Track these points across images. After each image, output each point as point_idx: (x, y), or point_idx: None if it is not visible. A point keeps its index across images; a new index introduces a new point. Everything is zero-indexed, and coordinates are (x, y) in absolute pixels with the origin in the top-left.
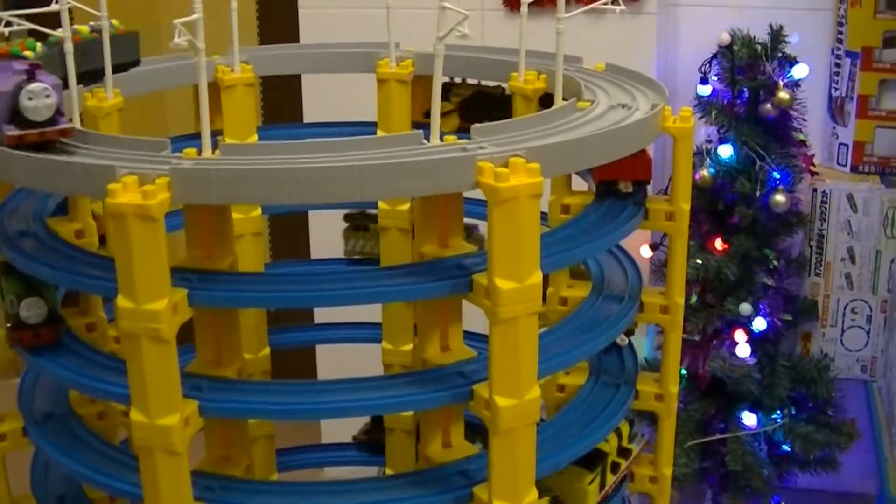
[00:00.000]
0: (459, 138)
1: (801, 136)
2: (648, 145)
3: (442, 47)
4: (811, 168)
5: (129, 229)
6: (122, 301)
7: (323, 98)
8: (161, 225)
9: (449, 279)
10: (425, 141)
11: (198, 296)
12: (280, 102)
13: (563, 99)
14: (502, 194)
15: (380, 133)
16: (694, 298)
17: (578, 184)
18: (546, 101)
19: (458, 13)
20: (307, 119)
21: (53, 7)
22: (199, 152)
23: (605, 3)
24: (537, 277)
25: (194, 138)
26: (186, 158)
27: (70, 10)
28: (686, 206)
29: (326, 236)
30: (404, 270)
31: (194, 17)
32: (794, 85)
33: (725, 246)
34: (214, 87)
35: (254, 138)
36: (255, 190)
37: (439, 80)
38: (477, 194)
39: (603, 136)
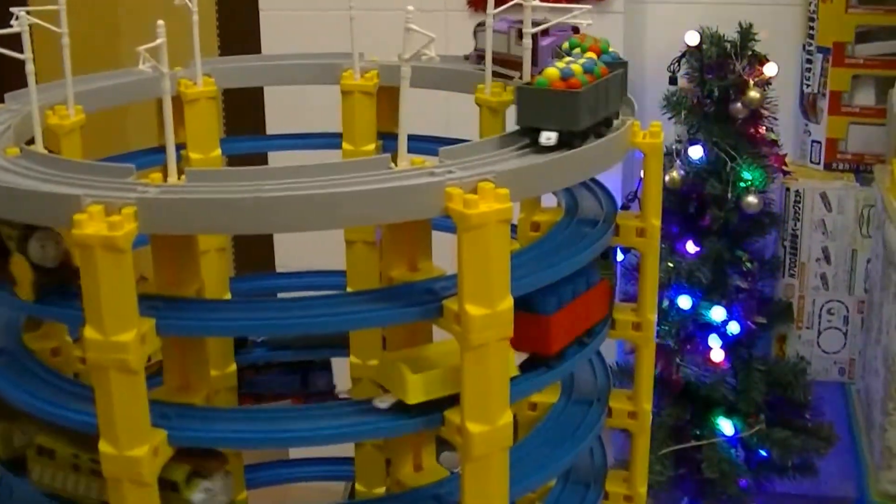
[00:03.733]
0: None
1: (773, 136)
2: (619, 163)
3: (408, 69)
4: (783, 167)
5: (96, 260)
6: (89, 332)
7: (285, 105)
8: (128, 256)
9: (419, 305)
10: (392, 164)
11: (166, 325)
12: (241, 109)
13: None
14: (472, 221)
15: (345, 145)
16: (666, 303)
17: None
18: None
19: (425, 35)
20: (270, 125)
21: (15, 28)
22: (165, 176)
23: (574, 16)
24: (508, 303)
25: (157, 152)
26: (152, 186)
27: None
28: (657, 222)
29: (291, 247)
30: (373, 296)
31: (158, 42)
32: (765, 83)
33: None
34: (177, 101)
35: (217, 152)
36: (222, 220)
37: (406, 101)
38: None
39: (573, 156)
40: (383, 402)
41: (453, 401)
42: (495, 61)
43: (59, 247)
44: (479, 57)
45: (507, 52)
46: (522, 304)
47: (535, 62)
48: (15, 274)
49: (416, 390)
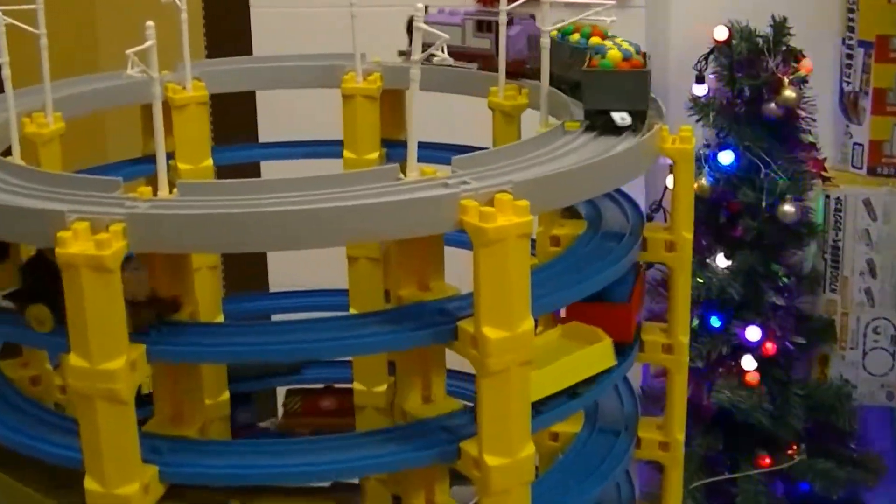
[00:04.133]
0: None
1: (810, 138)
2: (646, 171)
3: (417, 71)
4: (822, 173)
5: (82, 282)
6: (75, 359)
7: (279, 110)
8: (117, 277)
9: (431, 327)
10: (401, 175)
11: (158, 351)
12: (231, 115)
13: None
14: (489, 235)
15: (346, 154)
16: (695, 322)
17: None
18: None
19: (436, 35)
20: (262, 131)
21: None
22: (155, 190)
23: (597, 11)
24: (529, 324)
25: (142, 162)
26: (141, 200)
27: None
28: (688, 235)
29: (285, 264)
30: (380, 317)
31: (147, 44)
32: (801, 81)
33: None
34: (164, 107)
35: (208, 162)
36: (218, 237)
37: (415, 106)
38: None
39: (597, 165)
40: None
41: (470, 430)
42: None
43: (147, 276)
44: None
45: (461, 45)
46: (595, 295)
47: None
48: None
49: (540, 387)
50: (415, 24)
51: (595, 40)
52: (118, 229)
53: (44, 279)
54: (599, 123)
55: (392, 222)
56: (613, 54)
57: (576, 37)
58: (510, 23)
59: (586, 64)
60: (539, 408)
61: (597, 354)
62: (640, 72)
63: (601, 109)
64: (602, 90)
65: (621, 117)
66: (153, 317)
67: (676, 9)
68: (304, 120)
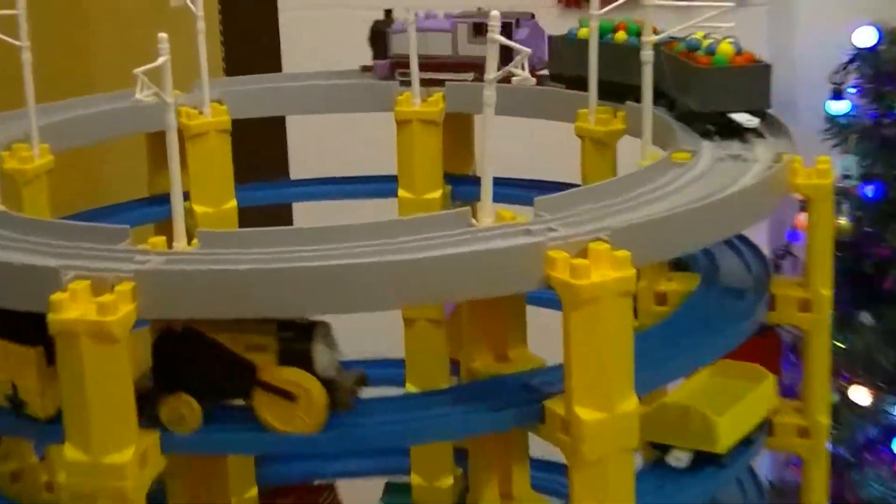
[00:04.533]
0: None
1: None
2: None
3: (492, 93)
4: None
5: (82, 354)
6: (71, 452)
7: (315, 139)
8: (124, 347)
9: (511, 407)
10: (474, 220)
11: (174, 440)
12: (255, 146)
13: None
14: (582, 294)
15: (401, 193)
16: (835, 397)
17: None
18: None
19: (517, 49)
20: (294, 165)
21: None
22: (169, 241)
23: (714, 16)
24: (631, 403)
25: (149, 205)
26: (154, 253)
27: None
28: (827, 293)
29: None
30: (448, 396)
31: (160, 61)
32: None
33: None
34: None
35: (232, 203)
36: (247, 299)
37: (492, 134)
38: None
39: (712, 207)
40: (681, 460)
41: None
42: (432, 66)
43: (337, 345)
44: (393, 66)
45: (453, 54)
46: None
47: (509, 59)
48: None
49: (727, 434)
50: (489, 35)
51: (621, 34)
52: (126, 289)
53: (179, 359)
54: (717, 128)
55: (463, 279)
56: (725, 48)
57: (622, 35)
58: (516, 24)
59: (688, 62)
60: (721, 461)
61: (765, 394)
62: (761, 66)
63: (720, 112)
64: (719, 90)
65: (747, 119)
66: (348, 393)
67: (807, 7)
68: (347, 151)
